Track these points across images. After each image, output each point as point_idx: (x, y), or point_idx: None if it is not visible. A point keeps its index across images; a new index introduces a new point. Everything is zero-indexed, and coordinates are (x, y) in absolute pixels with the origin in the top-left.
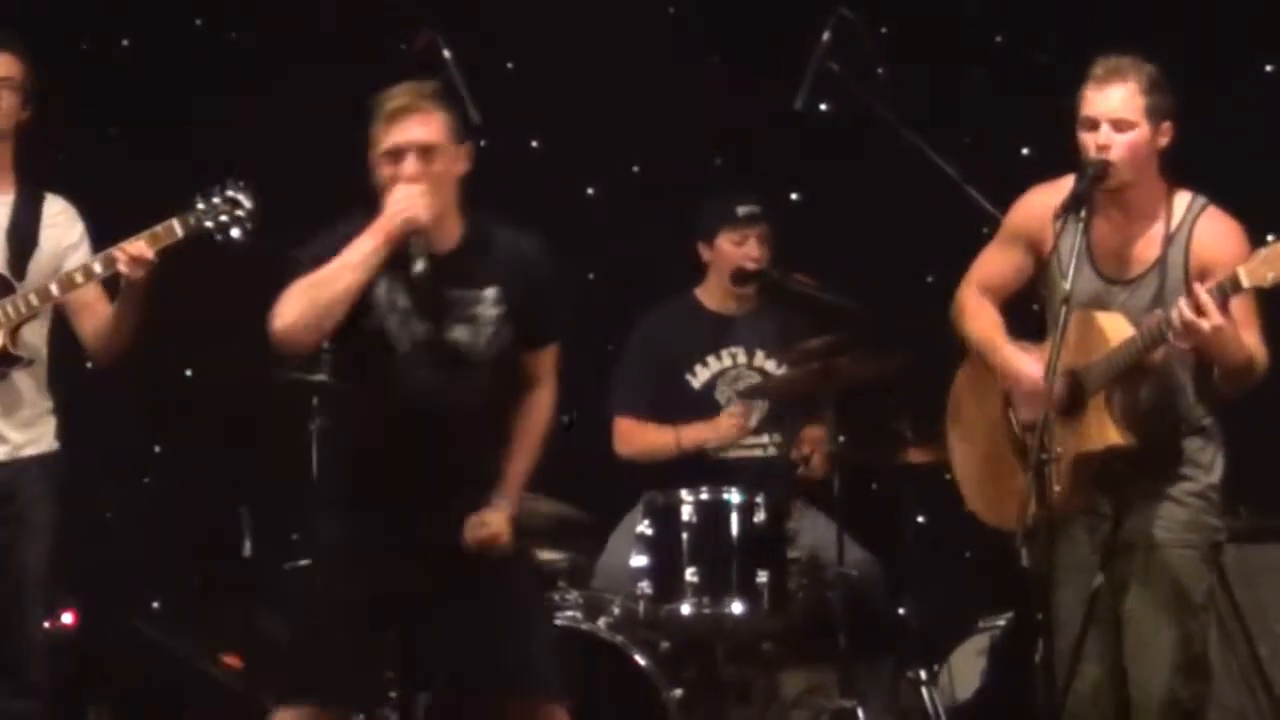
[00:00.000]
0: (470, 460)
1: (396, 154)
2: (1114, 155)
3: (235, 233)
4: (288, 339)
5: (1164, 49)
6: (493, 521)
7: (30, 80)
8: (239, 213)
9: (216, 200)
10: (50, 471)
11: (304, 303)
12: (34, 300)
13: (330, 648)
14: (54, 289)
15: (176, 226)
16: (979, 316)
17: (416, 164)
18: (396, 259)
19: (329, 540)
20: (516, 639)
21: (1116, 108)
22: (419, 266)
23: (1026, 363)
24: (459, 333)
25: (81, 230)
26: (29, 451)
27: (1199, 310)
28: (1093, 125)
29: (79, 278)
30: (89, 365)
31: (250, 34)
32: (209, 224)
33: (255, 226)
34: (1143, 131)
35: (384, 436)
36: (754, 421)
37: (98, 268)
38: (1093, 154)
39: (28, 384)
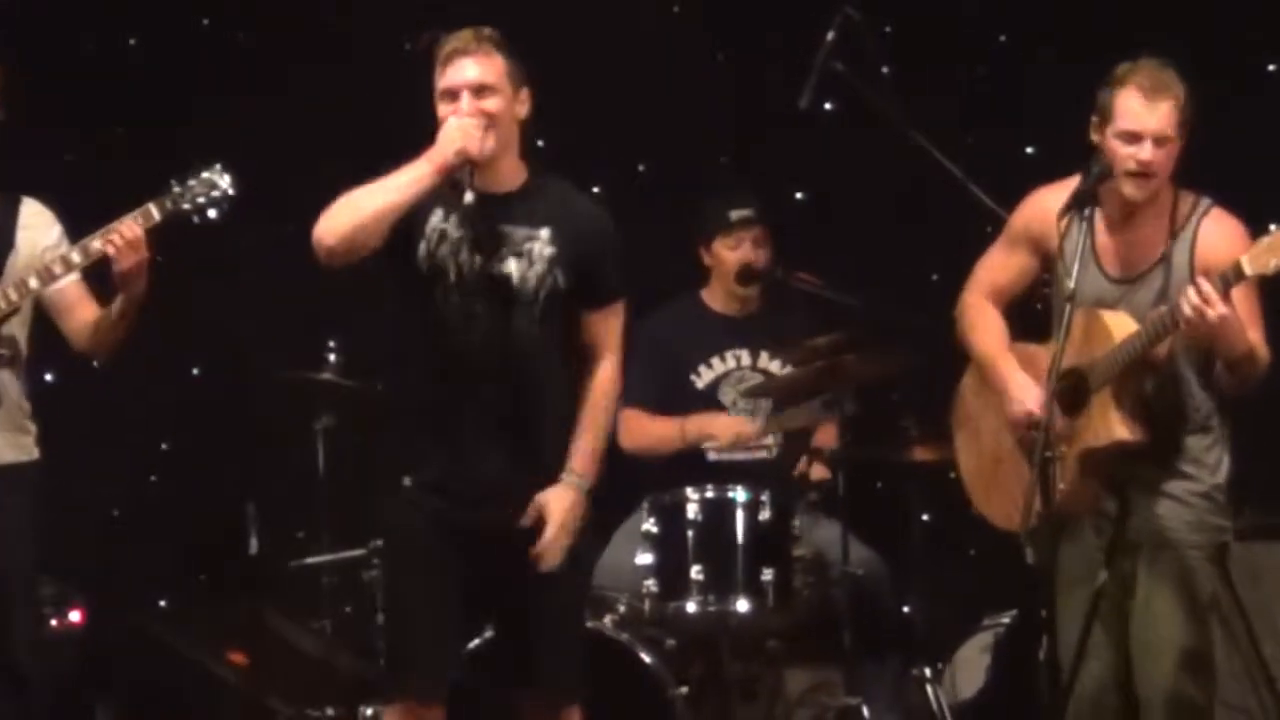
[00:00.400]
0: (521, 402)
1: (453, 94)
2: (1155, 170)
3: (212, 213)
4: (322, 245)
5: (1167, 48)
6: (547, 542)
7: (7, 83)
8: (215, 194)
9: (193, 182)
10: (31, 481)
11: (345, 214)
12: (13, 295)
13: (416, 637)
14: (33, 282)
15: (154, 210)
16: (981, 328)
17: (472, 102)
18: (452, 191)
19: (397, 516)
20: (549, 635)
21: (1163, 126)
22: (469, 198)
23: (1022, 386)
24: (510, 266)
25: (59, 232)
26: (9, 458)
27: (1204, 300)
28: (1135, 139)
29: (58, 269)
30: (95, 364)
31: (256, 34)
32: (186, 206)
33: (231, 207)
34: (1175, 145)
35: (436, 372)
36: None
37: (76, 257)
38: (1132, 168)
39: (9, 384)
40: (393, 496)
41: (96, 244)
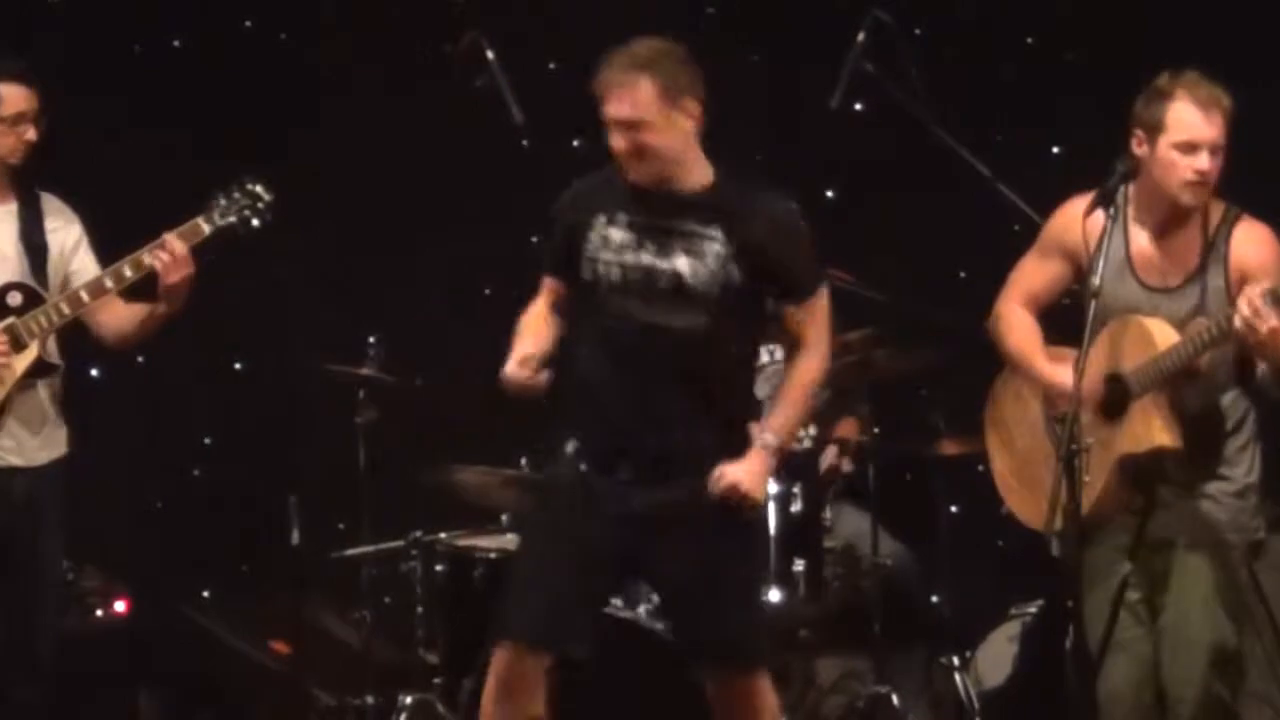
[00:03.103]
0: (686, 392)
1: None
2: (1212, 180)
3: (255, 223)
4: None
5: (1192, 49)
6: (730, 472)
7: (46, 105)
8: (260, 205)
9: (237, 195)
10: (63, 475)
11: None
12: (65, 309)
13: (543, 589)
14: (84, 295)
15: (203, 225)
16: (1017, 331)
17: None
18: (614, 201)
19: (555, 478)
20: (721, 606)
21: (1218, 135)
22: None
23: (1065, 375)
24: (680, 263)
25: (80, 229)
26: (44, 458)
27: (1256, 314)
28: (1193, 149)
29: (109, 283)
30: (140, 359)
31: (298, 35)
32: (233, 219)
33: (274, 216)
34: (1223, 153)
35: (601, 367)
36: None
37: (128, 272)
38: (1191, 178)
39: (47, 393)
40: (555, 462)
41: (146, 259)
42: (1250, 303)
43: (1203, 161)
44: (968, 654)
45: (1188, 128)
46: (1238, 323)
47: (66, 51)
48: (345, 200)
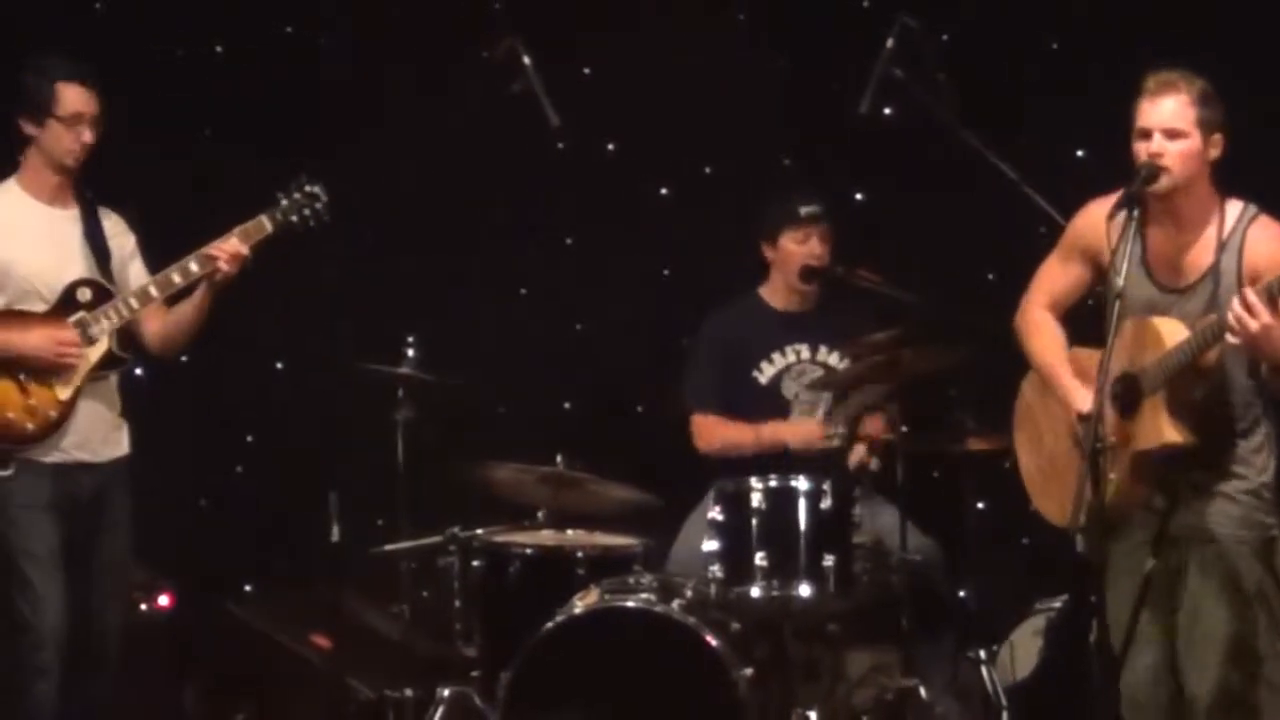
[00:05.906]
0: None
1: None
2: (1166, 162)
3: (314, 224)
4: None
5: (1216, 53)
6: None
7: (104, 111)
8: (318, 206)
9: (297, 196)
10: (127, 474)
11: None
12: (134, 304)
13: None
14: (153, 290)
15: (266, 222)
16: (1041, 336)
17: None
18: None
19: None
20: None
21: (1168, 118)
22: None
23: (1086, 398)
24: None
25: (134, 241)
26: (109, 454)
27: (1249, 310)
28: (1146, 135)
29: (177, 278)
30: (185, 359)
31: (336, 39)
32: (294, 218)
33: (330, 217)
34: (1194, 142)
35: None
36: (827, 424)
37: (194, 267)
38: (1144, 160)
39: (114, 388)
40: None
41: (213, 253)
42: (1245, 299)
43: (1154, 145)
44: (995, 648)
45: (1139, 116)
46: (1230, 319)
47: (108, 56)
48: (383, 202)
